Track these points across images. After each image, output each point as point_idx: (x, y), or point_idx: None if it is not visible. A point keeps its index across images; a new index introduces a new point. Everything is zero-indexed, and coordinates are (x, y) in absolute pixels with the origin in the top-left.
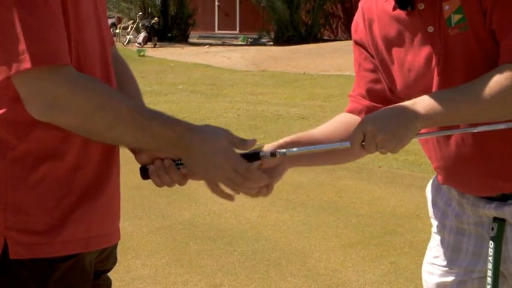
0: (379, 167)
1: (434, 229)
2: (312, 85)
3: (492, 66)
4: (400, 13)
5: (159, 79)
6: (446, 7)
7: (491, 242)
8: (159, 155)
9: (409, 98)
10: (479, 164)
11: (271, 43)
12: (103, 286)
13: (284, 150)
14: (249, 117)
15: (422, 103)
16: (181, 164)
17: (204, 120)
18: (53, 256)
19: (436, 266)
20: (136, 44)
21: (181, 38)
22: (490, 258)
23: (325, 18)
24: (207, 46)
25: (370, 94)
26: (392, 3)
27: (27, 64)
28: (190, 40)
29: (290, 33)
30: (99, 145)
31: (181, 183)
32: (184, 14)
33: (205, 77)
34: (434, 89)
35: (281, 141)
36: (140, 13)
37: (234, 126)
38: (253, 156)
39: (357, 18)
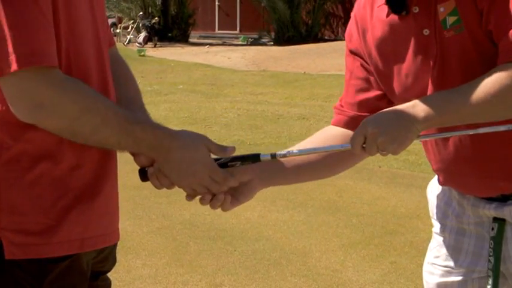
0: (380, 167)
1: (435, 229)
2: (312, 85)
3: (489, 67)
4: (394, 18)
5: (159, 79)
6: (441, 9)
7: (491, 242)
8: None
9: (408, 102)
10: (478, 165)
11: (272, 43)
12: (102, 287)
13: (284, 151)
14: (249, 117)
15: (422, 105)
16: None
17: (205, 120)
18: (48, 256)
19: (437, 266)
20: (137, 44)
21: (182, 38)
22: (491, 258)
23: (326, 18)
24: (208, 46)
25: (359, 102)
26: (386, 9)
27: (14, 66)
28: (191, 40)
29: (290, 33)
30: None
31: None
32: (185, 14)
33: (205, 77)
34: (431, 91)
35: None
36: (141, 13)
37: (234, 126)
38: (253, 158)
39: (351, 28)
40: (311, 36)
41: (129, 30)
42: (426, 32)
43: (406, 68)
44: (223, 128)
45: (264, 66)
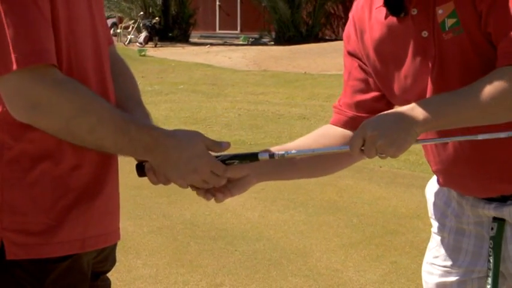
0: (380, 167)
1: (434, 229)
2: (313, 85)
3: (487, 69)
4: (393, 20)
5: (160, 79)
6: (440, 11)
7: (490, 241)
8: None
9: (407, 103)
10: (478, 167)
11: (272, 43)
12: (102, 287)
13: (283, 152)
14: (250, 117)
15: (422, 107)
16: None
17: (205, 120)
18: (49, 256)
19: (436, 266)
20: (138, 44)
21: (182, 38)
22: (490, 258)
23: (326, 18)
24: (208, 46)
25: (357, 104)
26: (384, 10)
27: (13, 65)
28: (191, 40)
29: (291, 33)
30: None
31: None
32: (185, 14)
33: (206, 77)
34: (430, 93)
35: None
36: (141, 13)
37: (235, 125)
38: (251, 157)
39: (349, 29)
40: (312, 36)
41: (129, 30)
42: (425, 34)
43: (404, 70)
44: (224, 127)
45: (264, 66)
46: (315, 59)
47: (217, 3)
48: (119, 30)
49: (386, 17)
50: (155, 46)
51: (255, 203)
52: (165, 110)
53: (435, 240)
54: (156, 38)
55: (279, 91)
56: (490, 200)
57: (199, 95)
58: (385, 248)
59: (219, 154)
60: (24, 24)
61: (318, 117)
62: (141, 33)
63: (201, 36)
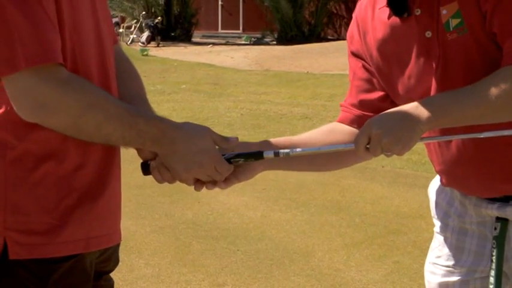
0: (383, 167)
1: (436, 229)
2: (315, 84)
3: (492, 68)
4: (396, 20)
5: (162, 78)
6: (444, 11)
7: (494, 241)
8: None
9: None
10: (481, 167)
11: (275, 42)
12: (105, 287)
13: (288, 150)
14: (252, 116)
15: (426, 106)
16: None
17: (208, 120)
18: (53, 256)
19: (439, 265)
20: (140, 44)
21: (185, 38)
22: (493, 258)
23: (329, 17)
24: (210, 45)
25: (362, 103)
26: (387, 11)
27: (20, 65)
28: (194, 39)
29: (293, 33)
30: (99, 145)
31: None
32: (188, 14)
33: (208, 76)
34: (434, 93)
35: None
36: (143, 12)
37: (237, 125)
38: (256, 155)
39: (352, 29)
40: (314, 35)
41: (132, 29)
42: (428, 34)
43: (408, 70)
44: (226, 127)
45: (267, 65)
46: (317, 59)
47: (220, 2)
48: (121, 30)
49: (389, 17)
50: (157, 46)
51: (257, 203)
52: (167, 110)
53: (438, 240)
54: (159, 37)
55: (281, 91)
56: (493, 200)
57: (201, 94)
58: (388, 248)
59: (224, 152)
60: (31, 25)
61: (320, 116)
62: (143, 32)
63: (204, 36)
